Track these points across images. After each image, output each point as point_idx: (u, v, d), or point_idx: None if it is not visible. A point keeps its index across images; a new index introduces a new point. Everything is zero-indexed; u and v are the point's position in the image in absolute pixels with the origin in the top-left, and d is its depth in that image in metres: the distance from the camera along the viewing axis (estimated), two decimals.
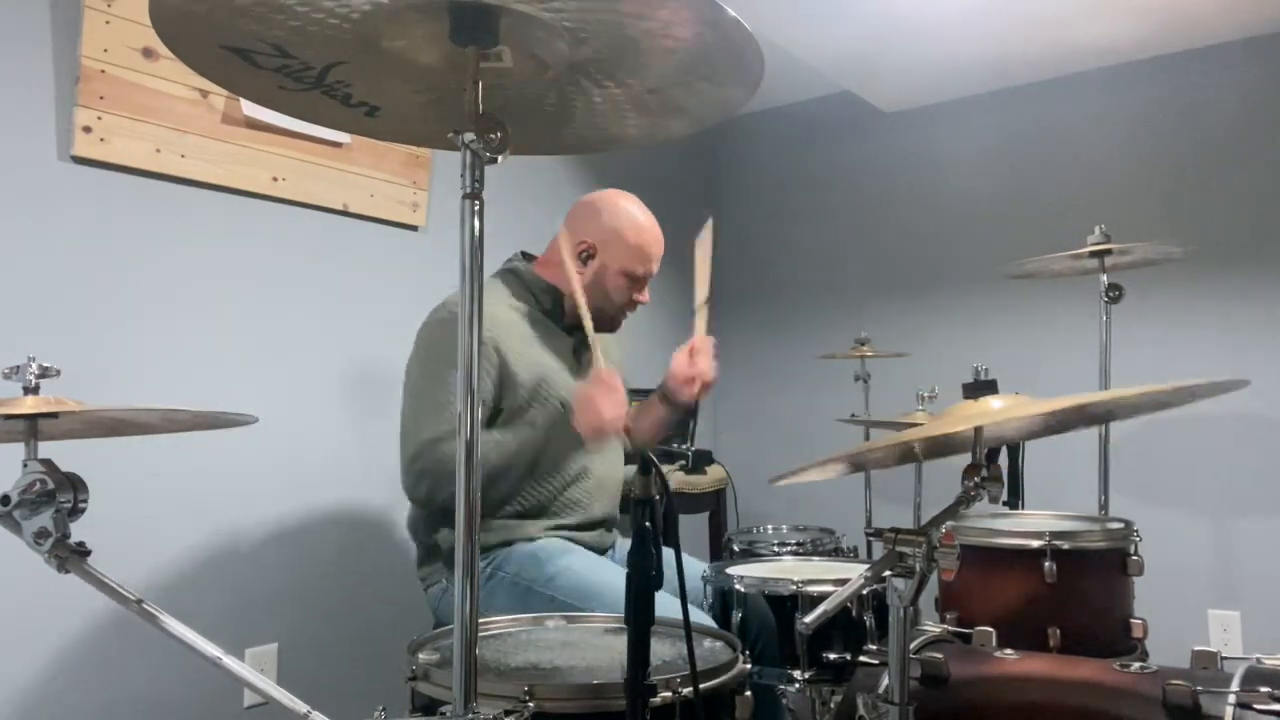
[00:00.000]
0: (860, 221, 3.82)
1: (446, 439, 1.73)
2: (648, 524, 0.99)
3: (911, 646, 1.26)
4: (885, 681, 1.21)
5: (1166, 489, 3.12)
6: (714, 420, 4.05)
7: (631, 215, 1.99)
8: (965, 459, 1.15)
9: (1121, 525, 2.07)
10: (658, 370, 2.01)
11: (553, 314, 2.00)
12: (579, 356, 2.01)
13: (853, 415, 3.10)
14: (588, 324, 1.81)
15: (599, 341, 2.09)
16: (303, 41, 0.96)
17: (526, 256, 2.07)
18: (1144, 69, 3.25)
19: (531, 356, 1.90)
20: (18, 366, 1.04)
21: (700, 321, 1.95)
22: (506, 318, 1.92)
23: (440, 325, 1.87)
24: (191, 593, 2.20)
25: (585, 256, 1.97)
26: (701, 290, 1.95)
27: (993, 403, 1.13)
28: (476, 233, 0.99)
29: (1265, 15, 2.94)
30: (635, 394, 2.48)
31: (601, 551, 1.98)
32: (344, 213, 2.53)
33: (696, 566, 2.00)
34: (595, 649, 1.34)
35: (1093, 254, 2.54)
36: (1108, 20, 2.95)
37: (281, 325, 2.40)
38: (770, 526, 2.94)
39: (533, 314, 1.98)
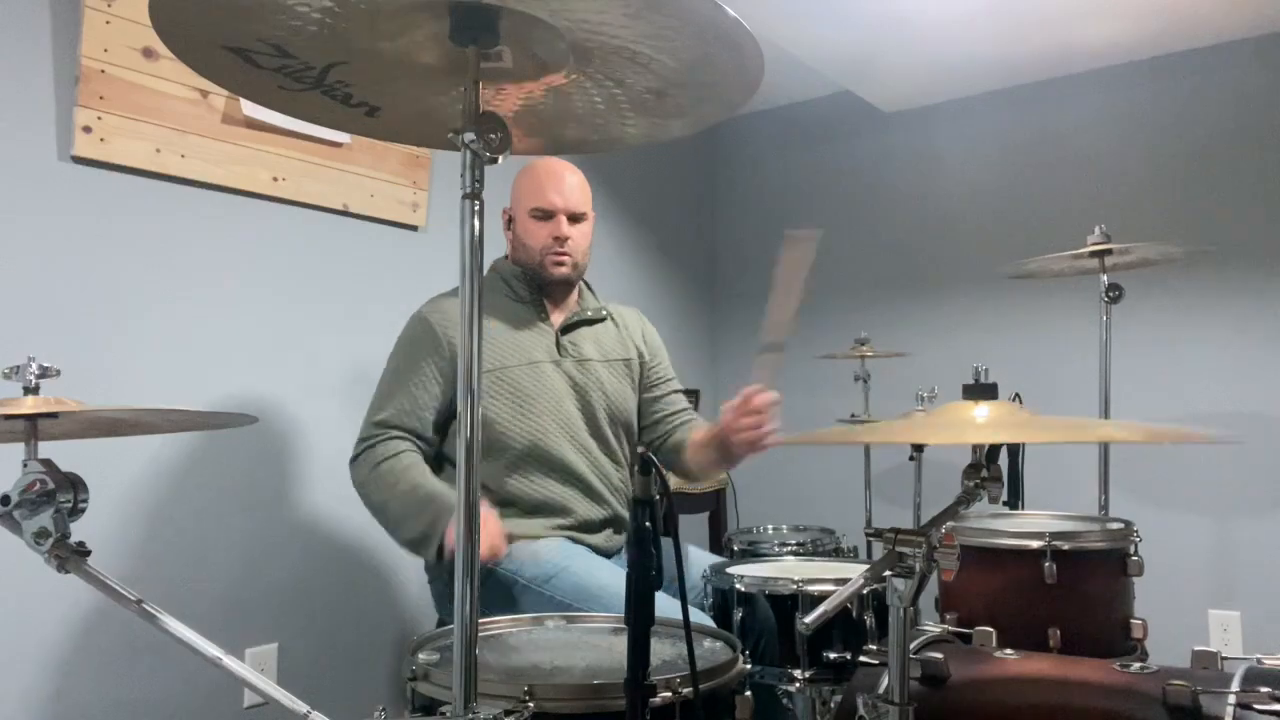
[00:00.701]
0: (860, 221, 3.81)
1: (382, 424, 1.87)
2: (648, 524, 0.99)
3: (911, 646, 1.26)
4: (885, 681, 1.21)
5: (1166, 489, 3.12)
6: (713, 420, 4.05)
7: (531, 162, 1.99)
8: (965, 458, 1.15)
9: (1121, 525, 2.07)
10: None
11: (530, 301, 1.98)
12: (560, 344, 1.97)
13: (852, 415, 3.10)
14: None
15: (621, 316, 2.12)
16: (303, 41, 0.96)
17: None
18: (1144, 69, 3.25)
19: (485, 351, 1.87)
20: (18, 366, 1.04)
21: (765, 365, 1.65)
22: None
23: (413, 321, 1.94)
24: (191, 593, 2.20)
25: (508, 223, 2.02)
26: (775, 326, 1.55)
27: (982, 410, 1.12)
28: (476, 233, 0.99)
29: (1265, 15, 2.94)
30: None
31: (611, 554, 1.95)
32: (344, 213, 2.53)
33: (705, 559, 2.00)
34: (595, 649, 1.34)
35: (1093, 254, 2.54)
36: (1108, 20, 2.95)
37: (281, 325, 2.40)
38: (770, 526, 2.94)
39: (503, 305, 1.96)
